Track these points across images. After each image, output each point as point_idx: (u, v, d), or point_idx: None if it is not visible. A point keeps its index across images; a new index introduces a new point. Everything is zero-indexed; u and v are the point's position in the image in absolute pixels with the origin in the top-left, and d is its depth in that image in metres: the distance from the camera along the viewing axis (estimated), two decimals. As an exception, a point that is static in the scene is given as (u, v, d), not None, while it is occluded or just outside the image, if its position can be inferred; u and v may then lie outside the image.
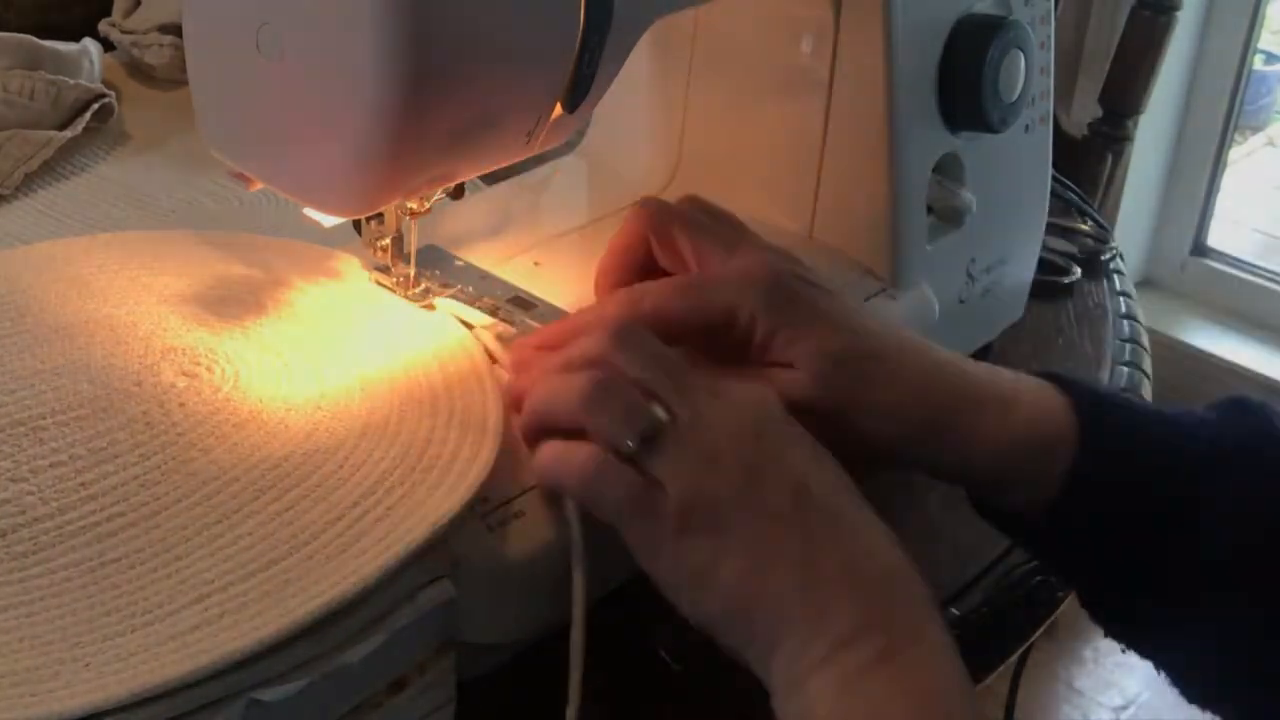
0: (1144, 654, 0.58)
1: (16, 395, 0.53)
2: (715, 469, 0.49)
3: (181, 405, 0.54)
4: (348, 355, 0.58)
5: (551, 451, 0.52)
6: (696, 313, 0.56)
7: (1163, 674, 0.57)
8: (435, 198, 0.60)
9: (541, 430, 0.52)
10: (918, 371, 0.56)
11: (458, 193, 0.61)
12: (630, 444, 0.49)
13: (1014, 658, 0.64)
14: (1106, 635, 0.59)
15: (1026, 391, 0.56)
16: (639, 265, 0.60)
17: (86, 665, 0.43)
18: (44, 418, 0.52)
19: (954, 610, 0.62)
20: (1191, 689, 0.56)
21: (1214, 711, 0.56)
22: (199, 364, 0.56)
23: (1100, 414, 0.55)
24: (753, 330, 0.55)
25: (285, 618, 0.45)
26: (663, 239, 0.59)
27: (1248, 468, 0.54)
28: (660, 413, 0.50)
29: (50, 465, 0.50)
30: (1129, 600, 0.56)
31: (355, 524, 0.49)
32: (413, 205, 0.60)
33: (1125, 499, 0.55)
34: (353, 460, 0.52)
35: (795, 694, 0.47)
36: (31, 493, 0.49)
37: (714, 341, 0.56)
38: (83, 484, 0.50)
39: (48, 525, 0.48)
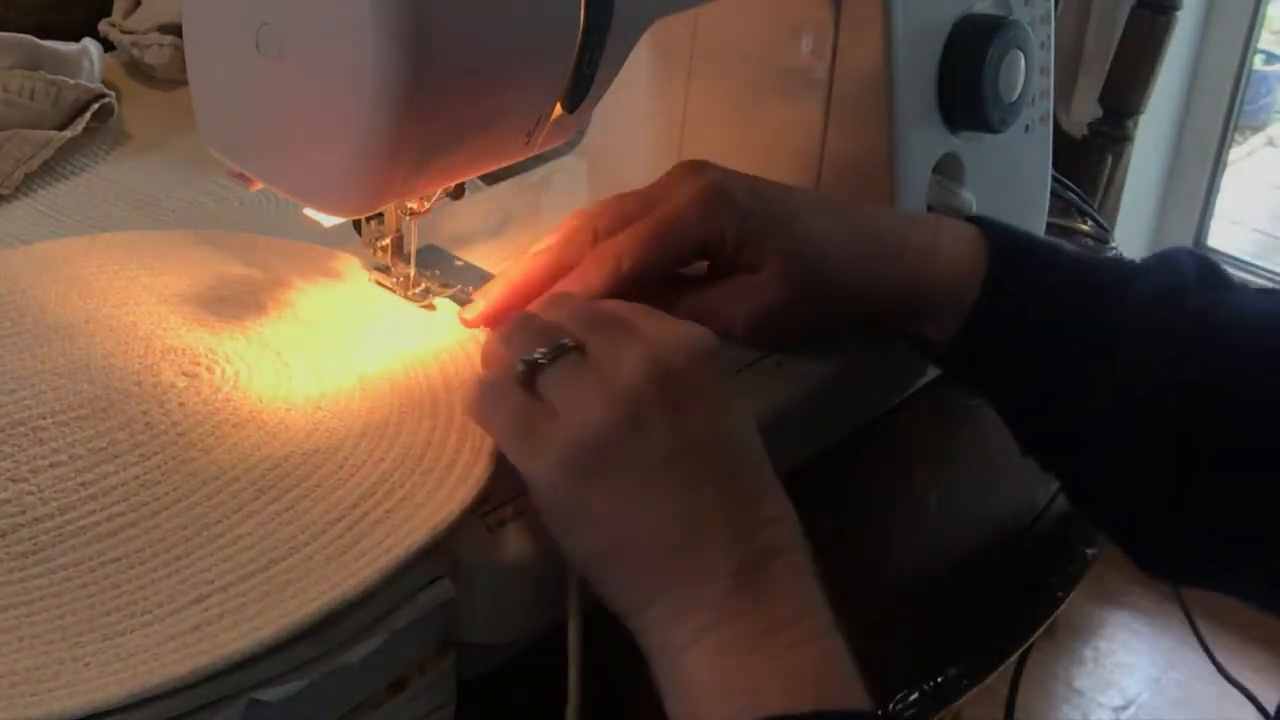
0: (1051, 471, 0.62)
1: (16, 395, 0.53)
2: (609, 405, 0.48)
3: (181, 405, 0.54)
4: (348, 355, 0.58)
5: (465, 389, 0.53)
6: (676, 253, 0.60)
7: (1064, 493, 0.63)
8: (435, 198, 0.60)
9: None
10: (854, 232, 0.61)
11: (458, 192, 0.61)
12: (523, 362, 0.50)
13: (1014, 658, 0.64)
14: (1024, 452, 0.63)
15: (946, 235, 0.61)
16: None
17: (86, 665, 0.43)
18: (44, 418, 0.52)
19: (954, 610, 0.62)
20: (1085, 508, 0.62)
21: (1104, 527, 0.62)
22: (199, 364, 0.56)
23: (1012, 257, 0.60)
24: (727, 249, 0.60)
25: (285, 619, 0.45)
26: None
27: (1141, 319, 0.58)
28: (565, 341, 0.50)
29: (50, 465, 0.50)
30: (1032, 426, 0.61)
31: (355, 525, 0.49)
32: (413, 205, 0.60)
33: (1022, 337, 0.59)
34: (353, 460, 0.52)
35: (675, 660, 0.47)
36: (31, 493, 0.49)
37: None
38: (83, 484, 0.50)
39: (48, 525, 0.48)
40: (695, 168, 0.62)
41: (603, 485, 0.48)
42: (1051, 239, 0.64)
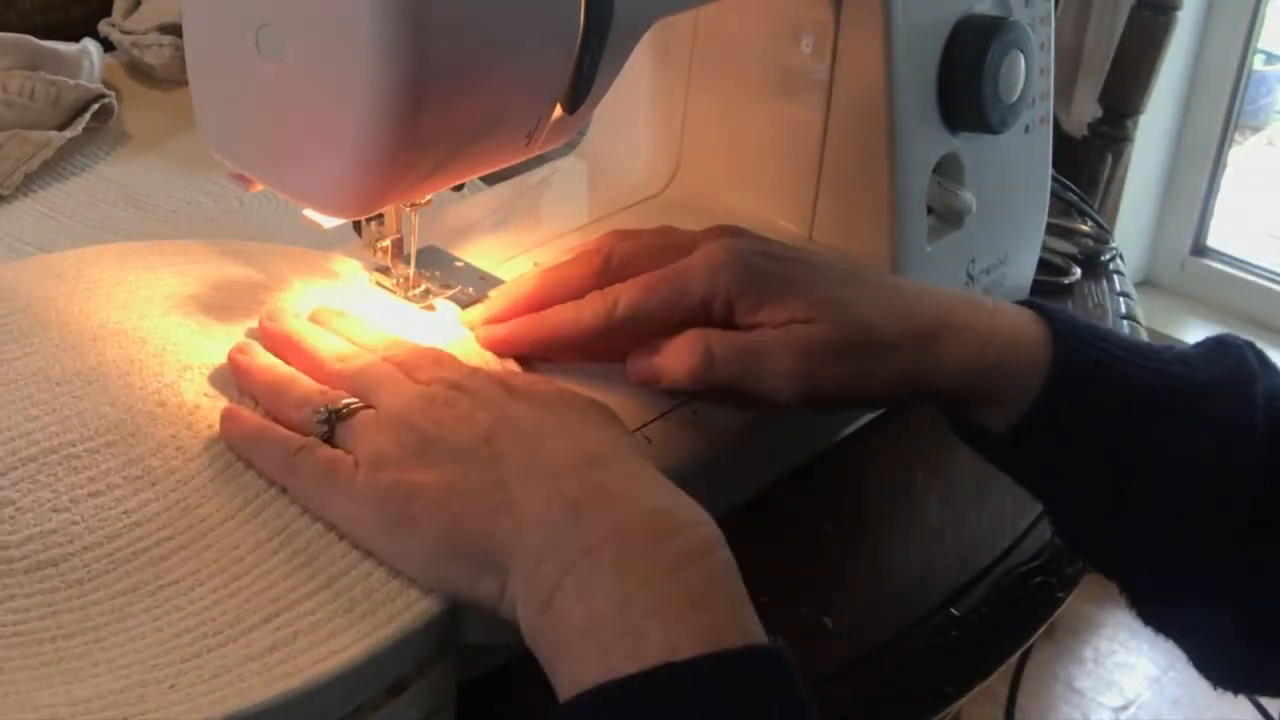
0: (1108, 575, 0.59)
1: (41, 422, 0.53)
2: (403, 423, 0.50)
3: (210, 426, 0.54)
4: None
5: (251, 430, 0.53)
6: (671, 306, 0.57)
7: (1124, 595, 0.58)
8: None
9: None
10: (902, 304, 0.57)
11: (457, 186, 0.61)
12: (319, 418, 0.52)
13: (1014, 658, 0.64)
14: (1074, 555, 0.61)
15: (1004, 318, 0.57)
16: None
17: (172, 687, 0.43)
18: (74, 444, 0.52)
19: (954, 610, 0.62)
20: (1145, 614, 0.58)
21: (1170, 636, 0.58)
22: (220, 381, 0.56)
23: (1075, 342, 0.56)
24: (732, 311, 0.57)
25: (366, 638, 0.45)
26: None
27: (1207, 409, 0.55)
28: (346, 400, 0.52)
29: (89, 494, 0.50)
30: (1090, 525, 0.58)
31: None
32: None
33: (1088, 427, 0.56)
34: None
35: (545, 617, 0.44)
36: (76, 522, 0.49)
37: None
38: (125, 511, 0.50)
39: (98, 553, 0.48)
40: (726, 230, 0.60)
41: (413, 486, 0.48)
42: (1098, 324, 0.59)
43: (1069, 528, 0.60)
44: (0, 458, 0.51)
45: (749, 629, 0.43)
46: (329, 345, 0.56)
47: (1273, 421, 0.54)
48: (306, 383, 0.54)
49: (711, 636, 0.41)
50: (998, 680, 0.65)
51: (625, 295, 0.58)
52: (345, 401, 0.52)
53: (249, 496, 0.51)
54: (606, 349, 0.59)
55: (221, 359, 0.57)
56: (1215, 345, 0.57)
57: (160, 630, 0.45)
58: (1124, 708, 1.73)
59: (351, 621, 0.46)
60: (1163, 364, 0.56)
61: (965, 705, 0.61)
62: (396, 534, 0.48)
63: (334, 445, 0.52)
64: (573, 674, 0.43)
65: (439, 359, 0.55)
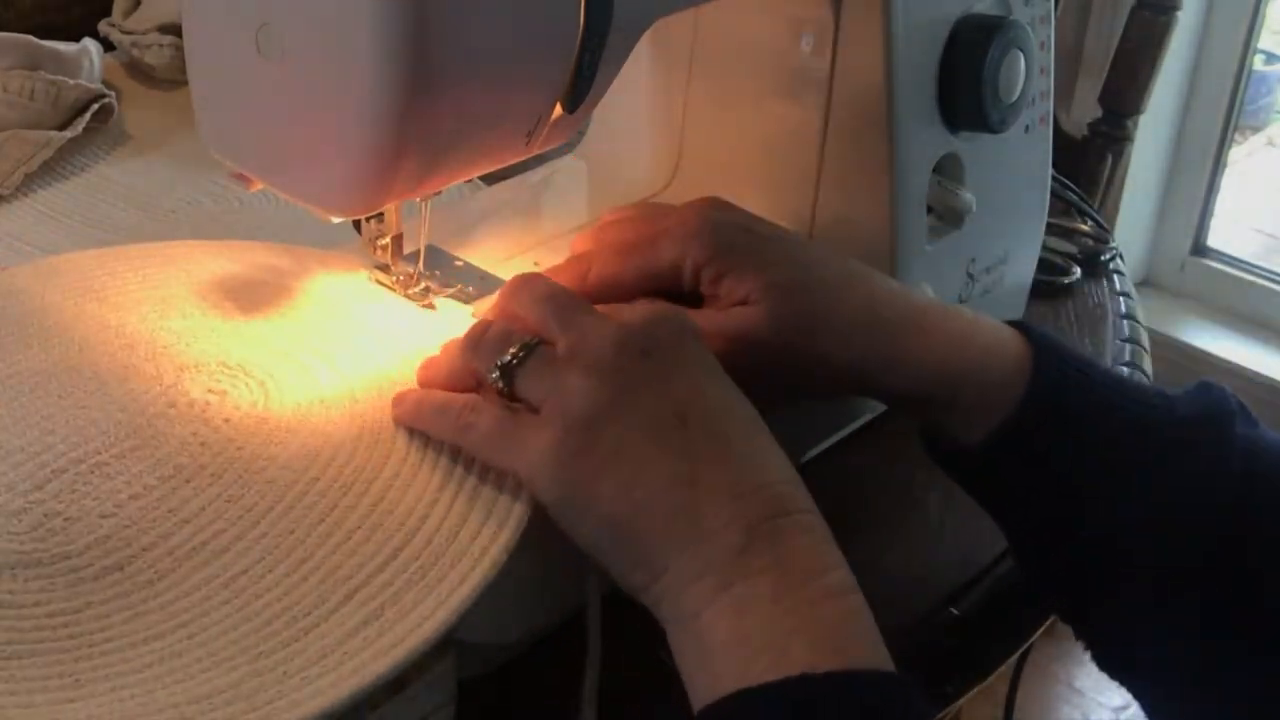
0: (1063, 616, 0.58)
1: (60, 435, 0.53)
2: (595, 382, 0.48)
3: (226, 421, 0.54)
4: (361, 351, 0.58)
5: (417, 403, 0.53)
6: (643, 272, 0.58)
7: (1080, 640, 0.57)
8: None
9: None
10: (862, 300, 0.57)
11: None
12: (497, 368, 0.50)
13: (1014, 658, 0.64)
14: (1032, 589, 0.60)
15: (985, 328, 0.57)
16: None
17: (285, 674, 0.44)
18: (99, 453, 0.52)
19: (954, 610, 0.62)
20: (1100, 657, 0.57)
21: (1120, 680, 0.57)
22: (220, 378, 0.56)
23: (1058, 362, 0.55)
24: (699, 279, 0.57)
25: (449, 599, 0.46)
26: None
27: (1180, 446, 0.54)
28: (527, 338, 0.50)
29: (130, 498, 0.50)
30: (1052, 553, 0.56)
31: (450, 508, 0.50)
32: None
33: (1063, 448, 0.54)
34: (416, 445, 0.53)
35: (690, 625, 0.46)
36: (127, 525, 0.49)
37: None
38: (170, 510, 0.50)
39: (158, 552, 0.48)
40: (710, 201, 0.60)
41: (598, 462, 0.47)
42: (1082, 352, 0.58)
43: (1030, 556, 0.58)
44: (32, 473, 0.51)
45: (882, 658, 0.46)
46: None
47: (1248, 463, 0.53)
48: (488, 335, 0.52)
49: (848, 659, 0.44)
50: (998, 680, 0.65)
51: (597, 262, 0.59)
52: (512, 350, 0.50)
53: (288, 482, 0.51)
54: None
55: (218, 357, 0.57)
56: (1198, 387, 0.56)
57: (249, 620, 0.46)
58: (1124, 708, 1.73)
59: (429, 587, 0.47)
60: (1143, 396, 0.55)
61: (965, 705, 0.62)
62: (573, 508, 0.48)
63: (516, 397, 0.50)
64: (713, 682, 0.45)
65: (625, 307, 0.52)
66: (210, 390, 0.55)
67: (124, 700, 0.43)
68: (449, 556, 0.48)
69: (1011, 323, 0.58)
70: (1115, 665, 0.57)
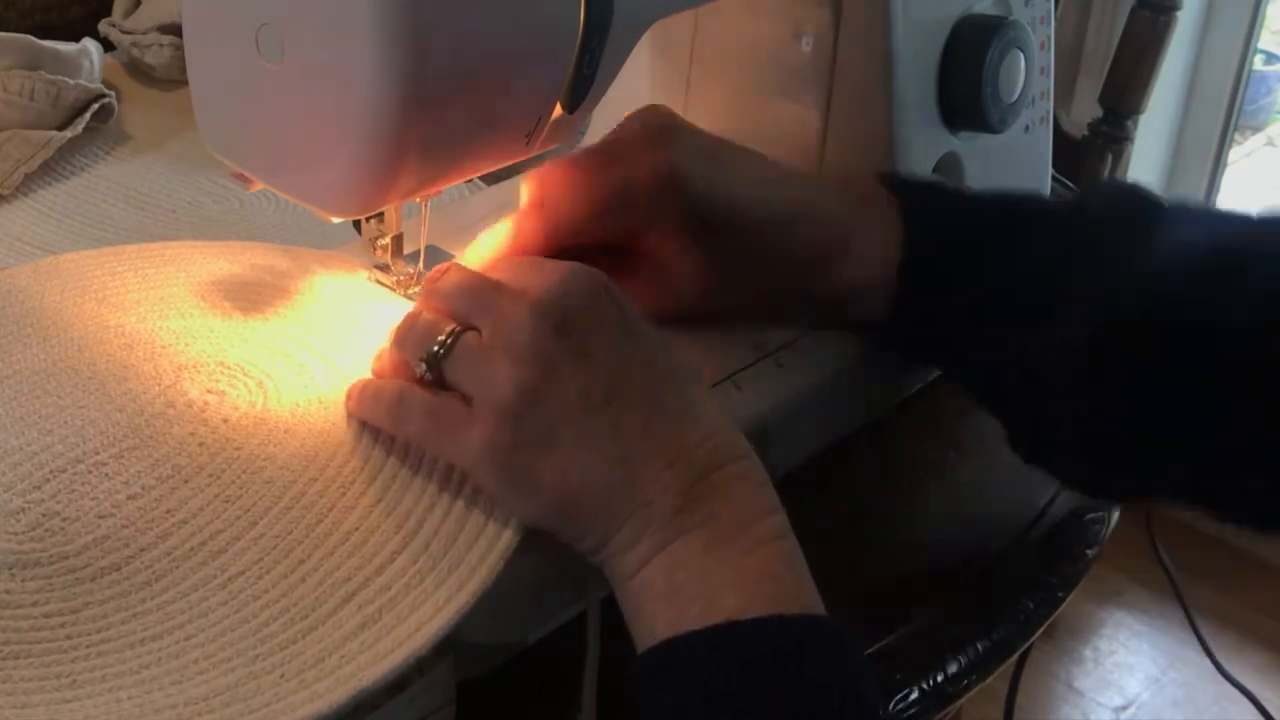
0: (997, 415, 0.62)
1: (58, 435, 0.53)
2: (517, 367, 0.48)
3: (225, 421, 0.54)
4: (360, 352, 0.58)
5: (359, 391, 0.54)
6: (611, 180, 0.59)
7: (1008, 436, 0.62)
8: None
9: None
10: (766, 160, 0.62)
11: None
12: (422, 362, 0.51)
13: (1014, 658, 0.64)
14: (979, 403, 0.64)
15: (859, 182, 0.62)
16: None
17: (282, 676, 0.44)
18: (98, 453, 0.52)
19: (954, 610, 0.62)
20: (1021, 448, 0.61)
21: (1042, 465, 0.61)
22: (219, 378, 0.56)
23: (923, 199, 0.61)
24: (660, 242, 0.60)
25: (447, 605, 0.46)
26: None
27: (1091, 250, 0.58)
28: (448, 328, 0.51)
29: (128, 498, 0.50)
30: (988, 378, 0.61)
31: (449, 513, 0.50)
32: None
33: (950, 271, 0.60)
34: (412, 455, 0.52)
35: (631, 584, 0.48)
36: (125, 526, 0.49)
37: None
38: (168, 510, 0.50)
39: (156, 553, 0.48)
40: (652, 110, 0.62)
41: (531, 451, 0.48)
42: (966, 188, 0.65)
43: (969, 383, 0.63)
44: (30, 472, 0.51)
45: (812, 602, 0.47)
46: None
47: (1158, 248, 0.57)
48: (415, 327, 0.53)
49: (776, 605, 0.46)
50: (998, 680, 0.65)
51: (551, 185, 0.60)
52: (438, 340, 0.50)
53: (286, 482, 0.51)
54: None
55: (217, 357, 0.57)
56: (1103, 185, 0.62)
57: (246, 622, 0.46)
58: (1124, 708, 1.73)
59: (426, 592, 0.47)
60: (1032, 211, 0.61)
61: (965, 705, 0.62)
62: (516, 498, 0.49)
63: (446, 386, 0.51)
64: (649, 632, 0.47)
65: (538, 268, 0.52)
66: (209, 390, 0.55)
67: (121, 701, 0.43)
68: (447, 561, 0.48)
69: (883, 176, 0.63)
70: (1032, 455, 0.61)
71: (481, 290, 0.51)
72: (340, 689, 0.43)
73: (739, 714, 0.44)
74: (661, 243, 0.61)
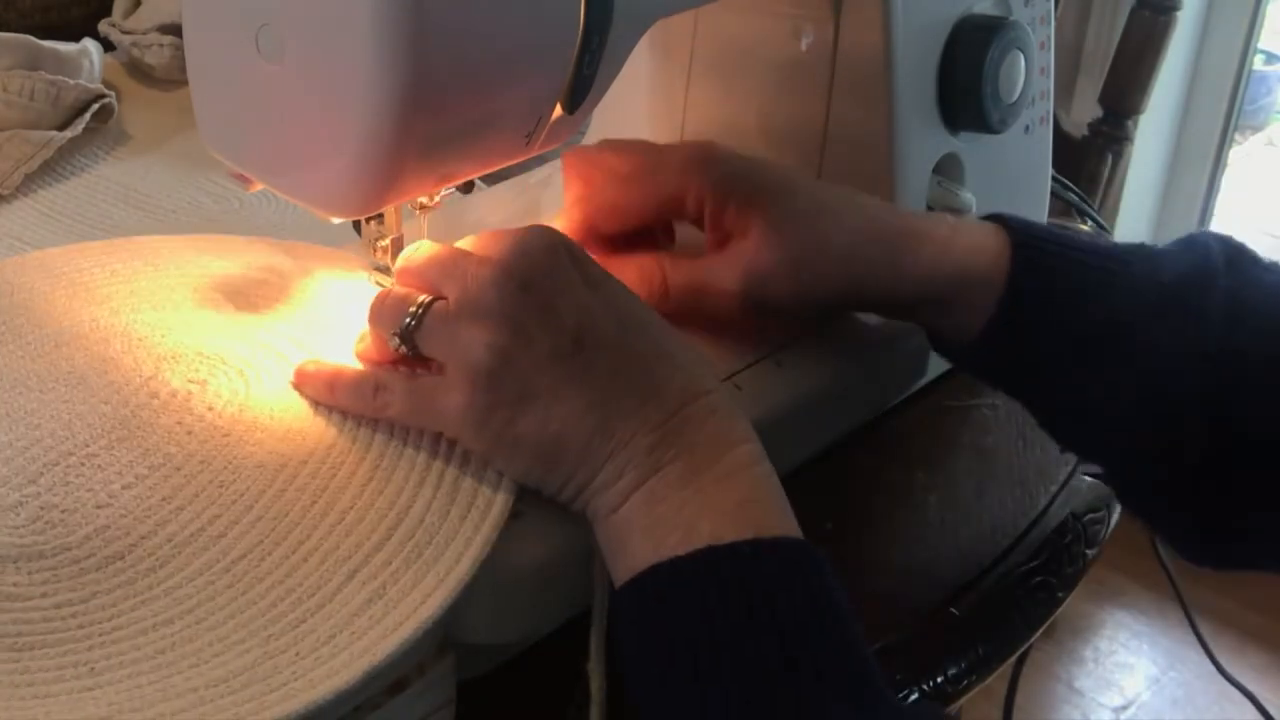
0: (1091, 460, 0.63)
1: (46, 429, 0.53)
2: (486, 330, 0.50)
3: (210, 409, 0.54)
4: (343, 344, 0.58)
5: (335, 384, 0.54)
6: (648, 200, 0.61)
7: (1110, 485, 0.62)
8: (445, 192, 0.60)
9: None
10: (862, 220, 0.59)
11: (467, 187, 0.61)
12: (395, 336, 0.52)
13: (1014, 658, 0.64)
14: (1062, 450, 0.64)
15: (965, 229, 0.60)
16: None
17: (297, 654, 0.44)
18: (88, 445, 0.52)
19: (954, 610, 0.62)
20: (1128, 502, 0.61)
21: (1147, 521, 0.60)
22: (199, 368, 0.56)
23: (1032, 248, 0.59)
24: (702, 208, 0.60)
25: (448, 577, 0.47)
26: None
27: (1158, 310, 0.57)
28: (422, 298, 0.52)
29: (123, 488, 0.50)
30: (1067, 416, 0.60)
31: (439, 485, 0.51)
32: (423, 199, 0.60)
33: (1046, 335, 0.58)
34: (397, 435, 0.53)
35: (610, 520, 0.49)
36: (124, 515, 0.49)
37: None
38: (164, 498, 0.50)
39: (157, 540, 0.48)
40: (705, 142, 0.62)
41: (509, 408, 0.49)
42: (1070, 231, 0.62)
43: (1045, 420, 0.62)
44: (23, 467, 0.51)
45: (787, 525, 0.48)
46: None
47: (1230, 320, 0.55)
48: (387, 303, 0.54)
49: (752, 529, 0.47)
50: (998, 680, 0.65)
51: (601, 191, 0.62)
52: (409, 312, 0.52)
53: (278, 466, 0.52)
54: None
55: (192, 346, 0.57)
56: (1185, 242, 0.59)
57: (254, 603, 0.46)
58: (1124, 708, 1.73)
59: (427, 564, 0.48)
60: (1119, 263, 0.58)
61: (965, 705, 0.62)
62: (501, 456, 0.51)
63: (422, 358, 0.52)
64: (629, 564, 0.48)
65: (498, 236, 0.54)
66: (191, 380, 0.56)
67: (142, 687, 0.43)
68: (443, 533, 0.49)
69: (992, 216, 0.61)
70: (1137, 509, 0.60)
71: (447, 260, 0.53)
72: (356, 663, 0.44)
73: (719, 637, 0.45)
74: (716, 227, 0.61)
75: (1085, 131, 1.54)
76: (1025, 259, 0.58)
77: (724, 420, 0.50)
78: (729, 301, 0.60)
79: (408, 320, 0.52)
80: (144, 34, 0.94)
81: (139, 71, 0.96)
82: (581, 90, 0.55)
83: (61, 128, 0.84)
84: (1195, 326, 0.55)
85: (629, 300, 0.53)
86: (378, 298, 0.55)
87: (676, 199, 0.60)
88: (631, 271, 0.60)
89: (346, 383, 0.54)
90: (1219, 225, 2.18)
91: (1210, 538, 0.58)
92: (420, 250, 0.54)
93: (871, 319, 0.66)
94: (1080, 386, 0.58)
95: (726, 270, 0.59)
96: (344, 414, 0.55)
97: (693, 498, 0.48)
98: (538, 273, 0.51)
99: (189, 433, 0.53)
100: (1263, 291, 0.56)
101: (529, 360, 0.49)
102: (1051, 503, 0.68)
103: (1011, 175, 0.74)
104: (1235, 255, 0.58)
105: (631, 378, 0.50)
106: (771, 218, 0.59)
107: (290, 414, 0.54)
